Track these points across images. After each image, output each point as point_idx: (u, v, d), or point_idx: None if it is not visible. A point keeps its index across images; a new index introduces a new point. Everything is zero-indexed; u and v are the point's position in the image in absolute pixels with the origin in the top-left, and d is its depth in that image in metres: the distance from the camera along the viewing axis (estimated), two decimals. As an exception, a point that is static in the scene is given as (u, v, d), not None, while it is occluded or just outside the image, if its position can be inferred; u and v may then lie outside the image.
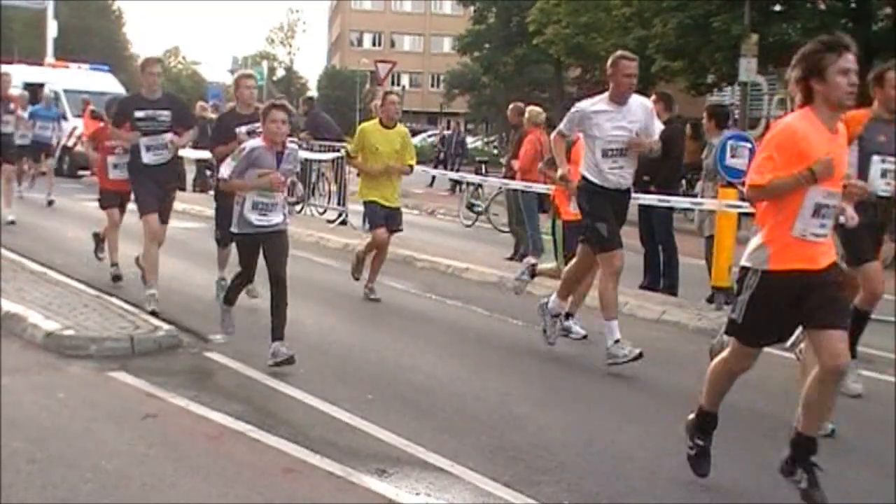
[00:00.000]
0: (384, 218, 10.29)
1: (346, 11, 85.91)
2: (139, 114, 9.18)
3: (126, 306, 8.67)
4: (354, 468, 5.23)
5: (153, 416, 6.01)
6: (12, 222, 14.47)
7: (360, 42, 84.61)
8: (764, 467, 5.45)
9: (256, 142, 7.44)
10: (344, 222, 17.19)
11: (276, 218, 7.38)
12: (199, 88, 77.92)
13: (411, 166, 10.56)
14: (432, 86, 78.85)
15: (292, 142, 8.15)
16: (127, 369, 7.02)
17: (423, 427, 5.98)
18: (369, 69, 52.04)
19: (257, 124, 8.62)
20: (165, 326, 8.02)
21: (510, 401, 6.73)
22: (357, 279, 10.56)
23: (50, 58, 32.33)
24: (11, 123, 15.59)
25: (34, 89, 22.19)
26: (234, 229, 7.44)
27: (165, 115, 9.29)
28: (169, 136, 9.27)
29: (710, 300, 10.51)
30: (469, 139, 57.57)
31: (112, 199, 10.33)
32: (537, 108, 14.03)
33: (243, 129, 9.02)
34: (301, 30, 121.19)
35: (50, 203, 17.86)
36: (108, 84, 27.28)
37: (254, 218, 7.29)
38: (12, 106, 15.61)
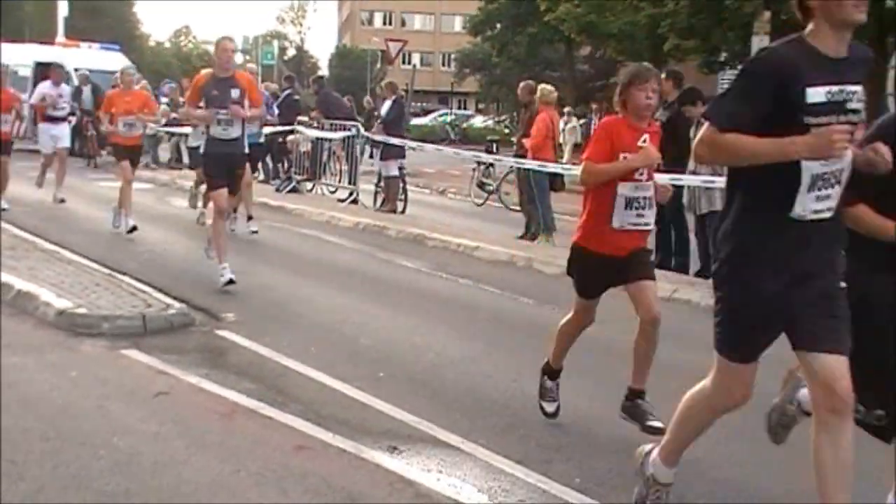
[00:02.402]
0: None
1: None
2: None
3: (138, 285, 8.69)
4: (366, 445, 5.24)
5: (165, 394, 6.04)
6: (232, 282, 9.11)
7: (370, 21, 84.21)
8: (777, 452, 5.44)
9: None
10: (355, 201, 17.18)
11: None
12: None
13: None
14: (443, 65, 78.54)
15: None
16: (139, 347, 7.05)
17: (435, 405, 5.99)
18: (380, 48, 51.89)
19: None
20: (177, 304, 8.04)
21: (521, 379, 6.73)
22: None
23: (61, 37, 32.35)
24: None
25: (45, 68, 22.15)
26: None
27: None
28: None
29: (698, 274, 10.61)
30: (480, 118, 57.65)
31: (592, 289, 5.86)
32: (549, 87, 13.98)
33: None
34: (312, 9, 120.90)
35: (254, 232, 11.72)
36: (118, 63, 27.30)
37: None
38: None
